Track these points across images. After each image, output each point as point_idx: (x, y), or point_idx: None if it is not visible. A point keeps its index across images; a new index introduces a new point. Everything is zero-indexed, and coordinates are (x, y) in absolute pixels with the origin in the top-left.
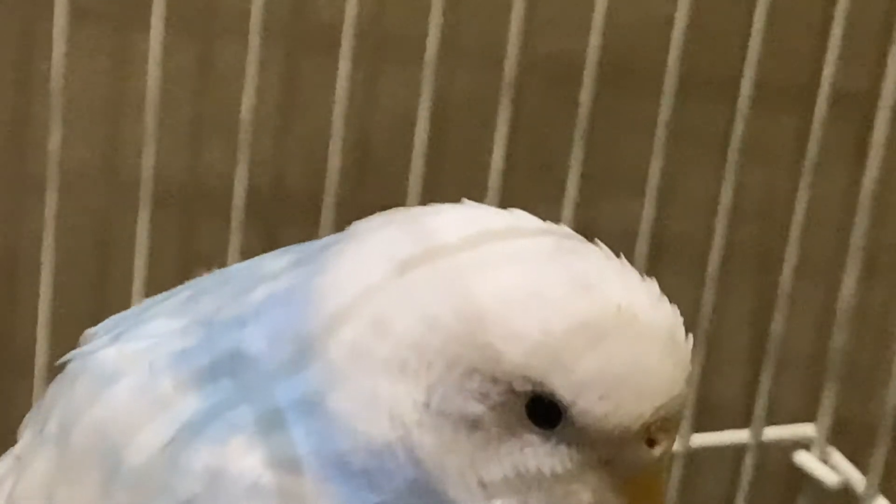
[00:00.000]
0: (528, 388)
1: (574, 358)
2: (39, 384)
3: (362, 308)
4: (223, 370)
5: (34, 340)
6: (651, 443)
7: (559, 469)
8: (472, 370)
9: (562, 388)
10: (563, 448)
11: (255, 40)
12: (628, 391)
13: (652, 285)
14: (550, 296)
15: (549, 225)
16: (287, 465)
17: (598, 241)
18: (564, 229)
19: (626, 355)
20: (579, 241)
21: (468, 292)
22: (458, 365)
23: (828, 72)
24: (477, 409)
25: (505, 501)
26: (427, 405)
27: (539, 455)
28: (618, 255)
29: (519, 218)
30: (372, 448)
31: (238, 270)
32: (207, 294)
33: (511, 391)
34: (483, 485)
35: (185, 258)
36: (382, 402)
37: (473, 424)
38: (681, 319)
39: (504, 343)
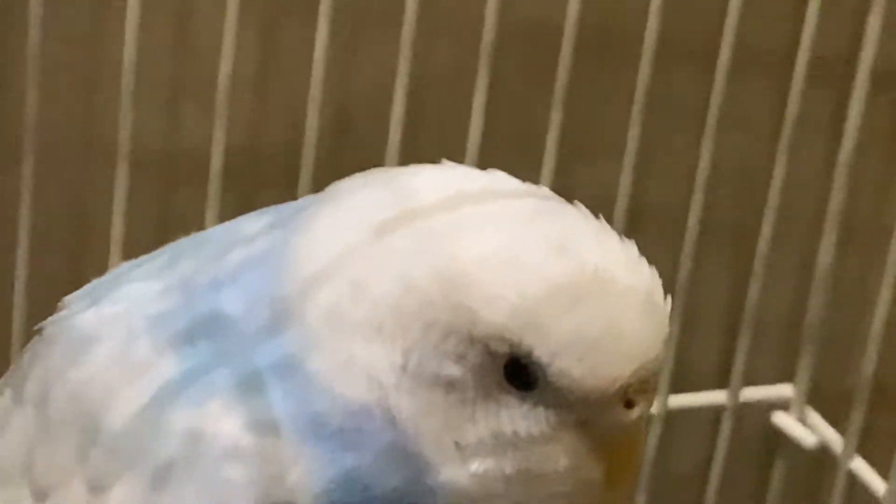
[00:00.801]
0: (505, 349)
1: (551, 319)
2: (16, 350)
3: (339, 271)
4: (201, 333)
5: (11, 307)
6: (628, 404)
7: (536, 431)
8: (449, 332)
9: (538, 348)
10: (540, 410)
11: (232, 4)
12: (605, 352)
13: (630, 247)
14: (527, 257)
15: (528, 186)
16: (265, 427)
17: (578, 203)
18: (544, 190)
19: (603, 316)
20: (558, 203)
21: (445, 254)
22: (434, 327)
23: (806, 39)
24: (454, 370)
25: (482, 464)
26: (404, 367)
27: (516, 417)
28: (597, 218)
29: (498, 179)
30: (349, 410)
31: (215, 233)
32: (185, 257)
33: (488, 353)
34: (460, 447)
35: (162, 222)
36: (359, 365)
37: (450, 386)
38: (659, 281)
39: (481, 304)
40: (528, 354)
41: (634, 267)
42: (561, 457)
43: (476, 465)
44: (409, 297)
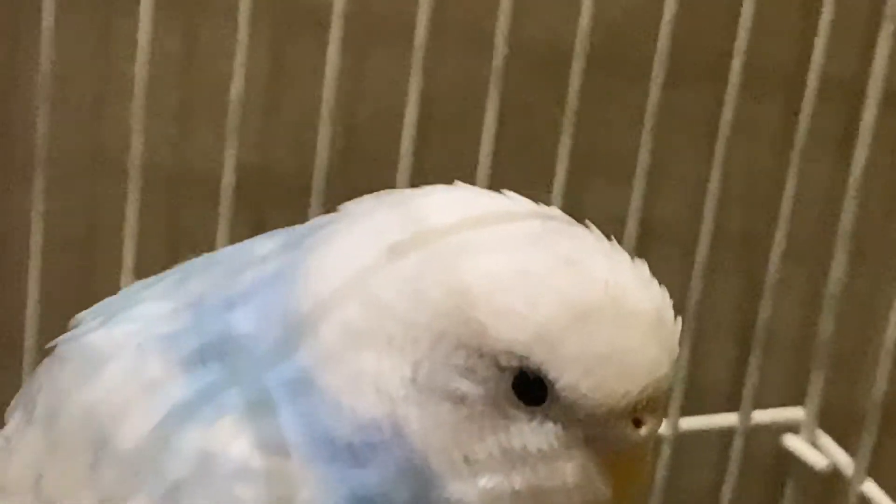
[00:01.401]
0: (514, 363)
1: (560, 333)
2: (28, 368)
3: (352, 289)
4: (212, 353)
5: (23, 325)
6: (637, 422)
7: (544, 447)
8: (459, 345)
9: (547, 363)
10: (548, 426)
11: (243, 23)
12: (613, 368)
13: (641, 267)
14: (538, 272)
15: (539, 207)
16: (275, 448)
17: (589, 223)
18: (555, 211)
19: (612, 333)
20: (569, 223)
21: (456, 269)
22: (444, 340)
23: (817, 57)
24: (462, 384)
25: (490, 479)
26: (413, 380)
27: (524, 432)
28: (608, 238)
29: (510, 199)
30: (358, 423)
31: (227, 253)
32: (196, 277)
33: (497, 367)
34: (468, 461)
35: (173, 242)
36: (368, 377)
37: (459, 400)
38: (669, 302)
39: (490, 318)
40: (537, 369)
41: (645, 286)
42: (569, 473)
43: (484, 481)
44: (420, 310)
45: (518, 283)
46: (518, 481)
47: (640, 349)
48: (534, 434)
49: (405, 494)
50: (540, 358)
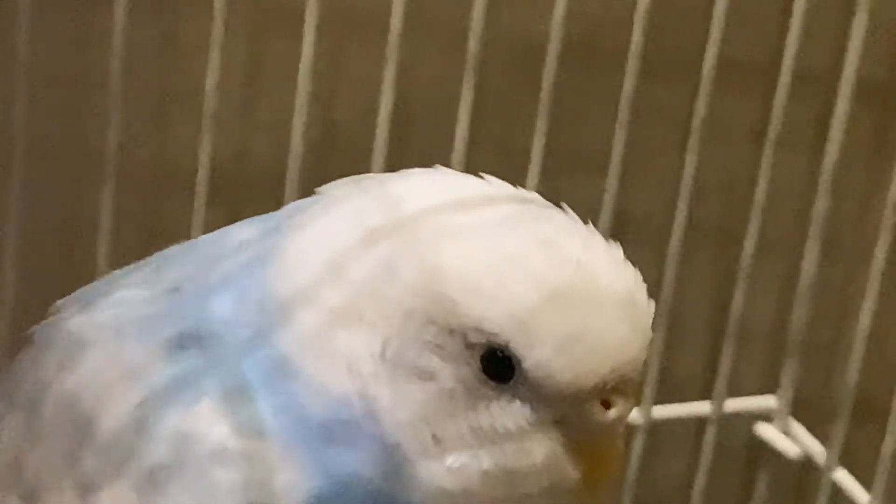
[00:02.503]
0: (483, 340)
1: (529, 311)
2: (5, 358)
3: (328, 273)
4: (191, 337)
5: None
6: (606, 405)
7: (512, 426)
8: (429, 322)
9: (515, 341)
10: (517, 405)
11: (219, 14)
12: (582, 348)
13: (615, 249)
14: (511, 252)
15: (517, 190)
16: (253, 431)
17: (565, 206)
18: (532, 195)
19: (582, 313)
20: (546, 206)
21: (429, 248)
22: (414, 316)
23: (790, 50)
24: (432, 361)
25: (458, 457)
26: (383, 357)
27: (493, 411)
28: (584, 222)
29: (488, 183)
30: (330, 400)
31: (205, 241)
32: (175, 263)
33: (466, 344)
34: (437, 439)
35: (149, 233)
36: (340, 353)
37: (428, 377)
38: (643, 285)
39: (460, 294)
40: (506, 347)
41: (618, 267)
42: (538, 453)
43: (453, 459)
44: (391, 286)
45: (490, 261)
46: (487, 460)
47: (609, 330)
48: (502, 413)
49: (378, 474)
50: (508, 335)
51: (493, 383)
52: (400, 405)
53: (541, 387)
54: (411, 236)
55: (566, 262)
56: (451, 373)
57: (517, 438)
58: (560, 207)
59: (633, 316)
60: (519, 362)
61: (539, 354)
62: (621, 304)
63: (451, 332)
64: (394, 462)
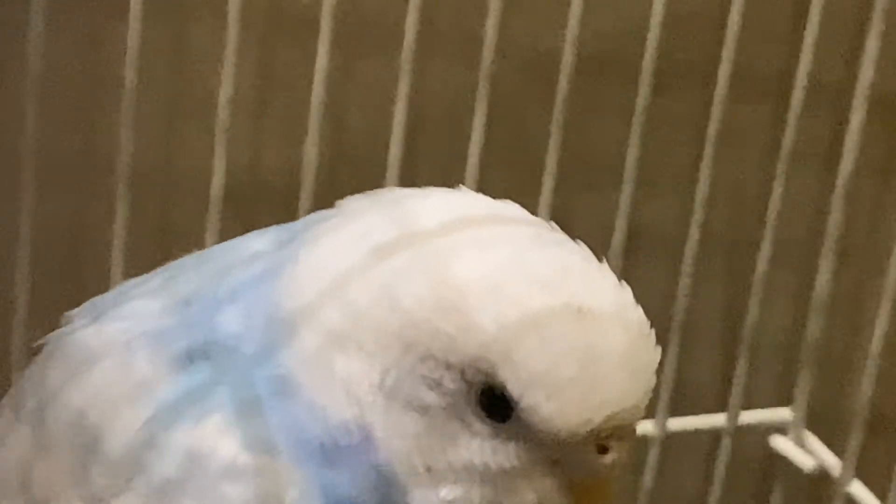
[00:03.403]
0: (480, 378)
1: (525, 354)
2: (17, 367)
3: (334, 292)
4: (201, 352)
5: (11, 326)
6: (602, 449)
7: (506, 464)
8: (427, 356)
9: (510, 382)
10: (511, 444)
11: (232, 25)
12: (577, 395)
13: (625, 292)
14: (511, 289)
15: (533, 218)
16: (262, 447)
17: (580, 242)
18: (549, 224)
19: (579, 358)
20: (560, 238)
21: (433, 278)
22: (413, 349)
23: (804, 61)
24: (428, 395)
25: (451, 491)
26: (381, 386)
27: (487, 448)
28: (597, 248)
29: (505, 208)
30: (329, 424)
31: (217, 252)
32: (186, 275)
33: (463, 380)
34: (430, 471)
35: (162, 243)
36: (339, 379)
37: (424, 411)
38: (651, 331)
39: (459, 331)
40: (502, 385)
41: (624, 311)
42: (530, 492)
43: (445, 492)
44: (393, 317)
45: (490, 298)
46: (478, 496)
47: (607, 378)
48: (496, 450)
49: (372, 499)
50: (504, 376)
51: (489, 420)
52: (395, 435)
53: (534, 429)
54: (414, 264)
55: (567, 304)
56: (446, 407)
57: (510, 476)
58: (575, 241)
59: (633, 364)
60: (514, 403)
61: (532, 398)
62: (621, 353)
63: (449, 367)
64: (388, 489)
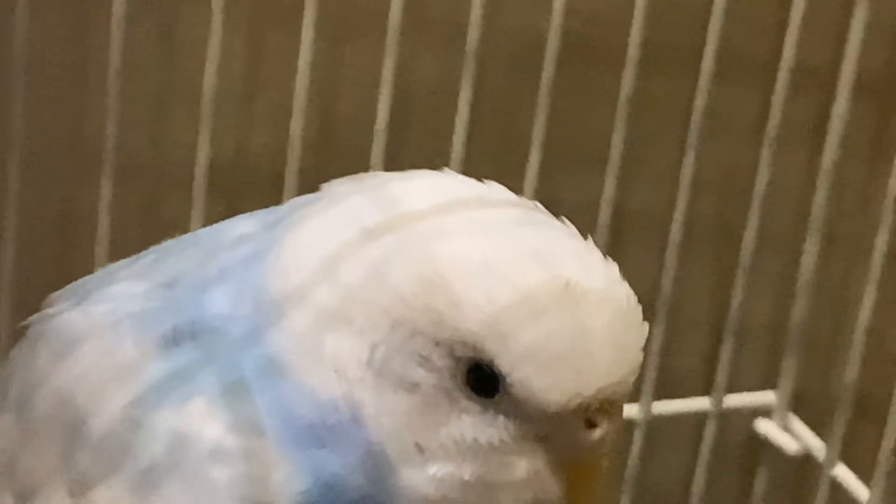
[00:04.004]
0: (469, 354)
1: (514, 328)
2: (2, 356)
3: (322, 273)
4: (187, 334)
5: None
6: (590, 424)
7: (495, 440)
8: (416, 332)
9: (499, 357)
10: (500, 419)
11: (218, 10)
12: (565, 369)
13: (612, 267)
14: (500, 265)
15: (519, 199)
16: (249, 429)
17: (565, 219)
18: (534, 204)
19: (568, 333)
20: (545, 217)
21: (422, 255)
22: (402, 325)
23: (789, 45)
24: (417, 372)
25: (440, 468)
26: (369, 364)
27: (476, 424)
28: (583, 232)
29: (490, 189)
30: (317, 403)
31: (203, 235)
32: (172, 258)
33: (452, 356)
34: (420, 449)
35: (147, 229)
36: (328, 357)
37: (412, 387)
38: (638, 306)
39: (448, 307)
40: (490, 361)
41: (611, 287)
42: (519, 469)
43: (435, 469)
44: (382, 293)
45: (479, 274)
46: (468, 472)
47: (595, 352)
48: (485, 426)
49: (363, 480)
50: (493, 351)
51: (477, 397)
52: (384, 412)
53: (523, 404)
54: (403, 243)
55: (556, 281)
56: (435, 384)
57: (500, 452)
58: (560, 218)
59: (622, 339)
60: (503, 379)
61: (522, 372)
62: (610, 326)
63: (437, 343)
64: (378, 467)
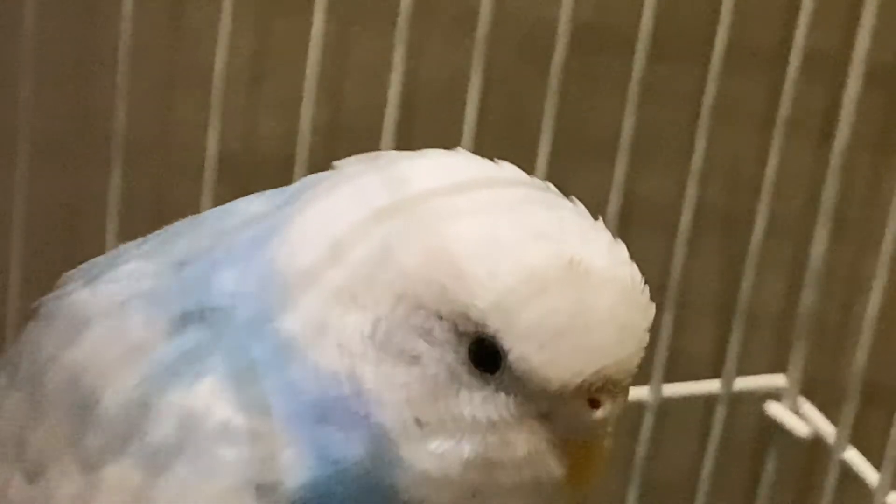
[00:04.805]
0: (471, 329)
1: (517, 304)
2: (12, 339)
3: (331, 252)
4: (196, 313)
5: (6, 298)
6: (594, 403)
7: (496, 417)
8: (419, 306)
9: (502, 332)
10: (501, 396)
11: None
12: (568, 345)
13: (619, 247)
14: (505, 241)
15: (529, 178)
16: (257, 408)
17: (574, 199)
18: (546, 185)
19: (571, 309)
20: (555, 197)
21: (427, 230)
22: (405, 299)
23: (800, 32)
24: (419, 345)
25: (441, 444)
26: (371, 337)
27: (477, 400)
28: (595, 217)
29: (500, 168)
30: (321, 378)
31: (212, 215)
32: (183, 237)
33: (454, 331)
34: (420, 424)
35: (157, 215)
36: (331, 332)
37: (414, 361)
38: (643, 286)
39: (452, 281)
40: (492, 336)
41: (616, 266)
42: (520, 446)
43: (435, 445)
44: (385, 268)
45: (483, 250)
46: (468, 449)
47: (598, 330)
48: (486, 403)
49: (363, 452)
50: (495, 326)
51: (479, 372)
52: (385, 387)
53: (524, 381)
54: (409, 219)
55: (560, 258)
56: (436, 358)
57: (500, 429)
58: (570, 199)
59: (625, 318)
60: (504, 355)
61: (524, 348)
62: (614, 305)
63: (440, 318)
64: (379, 443)
